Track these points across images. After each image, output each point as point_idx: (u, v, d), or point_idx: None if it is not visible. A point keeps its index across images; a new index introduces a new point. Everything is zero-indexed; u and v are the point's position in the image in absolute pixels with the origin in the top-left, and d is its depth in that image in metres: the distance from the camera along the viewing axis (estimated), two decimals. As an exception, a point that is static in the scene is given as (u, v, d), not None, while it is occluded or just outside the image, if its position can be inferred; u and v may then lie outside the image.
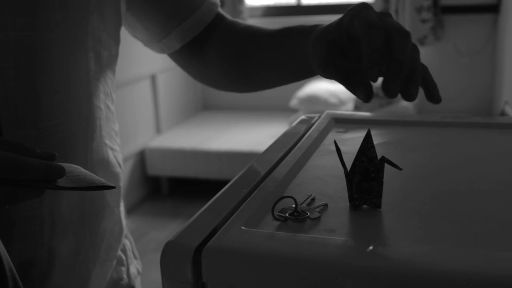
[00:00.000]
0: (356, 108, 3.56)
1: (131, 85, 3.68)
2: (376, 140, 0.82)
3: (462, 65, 3.78)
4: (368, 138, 0.58)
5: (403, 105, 3.49)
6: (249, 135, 3.82)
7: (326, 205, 0.60)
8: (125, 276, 0.90)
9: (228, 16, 0.89)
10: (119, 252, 0.89)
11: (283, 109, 4.13)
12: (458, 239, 0.52)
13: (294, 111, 4.00)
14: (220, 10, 0.88)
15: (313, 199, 0.62)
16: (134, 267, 0.94)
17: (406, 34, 0.59)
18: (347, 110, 3.59)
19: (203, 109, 4.62)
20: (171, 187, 3.94)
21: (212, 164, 3.64)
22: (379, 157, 0.59)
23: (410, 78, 0.59)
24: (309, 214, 0.57)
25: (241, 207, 0.59)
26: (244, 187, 0.65)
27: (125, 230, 0.92)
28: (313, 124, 0.90)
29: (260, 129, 3.92)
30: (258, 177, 0.68)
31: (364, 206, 0.60)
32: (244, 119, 4.20)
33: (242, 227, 0.54)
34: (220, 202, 0.61)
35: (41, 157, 0.57)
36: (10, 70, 0.66)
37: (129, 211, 3.56)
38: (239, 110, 4.40)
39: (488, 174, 0.69)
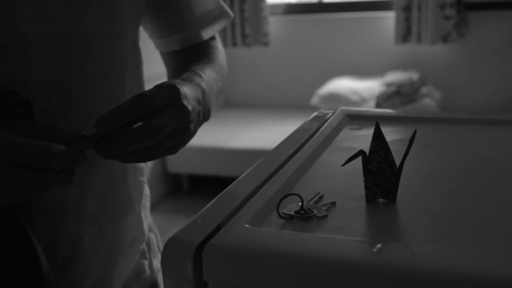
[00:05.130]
0: (378, 106, 3.52)
1: (151, 82, 3.67)
2: (391, 137, 0.80)
3: (486, 62, 3.71)
4: (376, 132, 0.58)
5: (425, 103, 3.44)
6: (270, 133, 3.79)
7: (334, 203, 0.58)
8: (147, 269, 0.91)
9: (205, 43, 0.92)
10: (144, 246, 0.90)
11: (304, 107, 4.10)
12: (469, 239, 0.50)
13: (315, 109, 3.97)
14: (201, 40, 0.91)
15: (321, 197, 0.60)
16: (158, 260, 0.94)
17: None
18: (369, 108, 3.55)
19: (224, 106, 4.61)
20: (191, 184, 3.94)
21: (233, 162, 3.63)
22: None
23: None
24: (315, 212, 0.56)
25: (246, 204, 0.58)
26: (251, 183, 0.63)
27: (151, 224, 0.94)
28: (326, 121, 0.89)
29: (281, 127, 3.89)
30: (267, 173, 0.67)
31: (380, 200, 0.59)
32: (265, 117, 4.18)
33: (246, 225, 0.53)
34: (225, 199, 0.60)
35: (70, 137, 0.57)
36: (44, 62, 0.67)
37: (150, 208, 3.57)
38: (260, 108, 4.38)
39: (504, 173, 0.67)
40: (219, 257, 0.49)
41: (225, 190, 0.63)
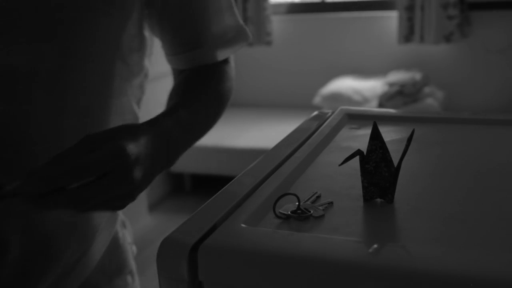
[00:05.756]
0: (380, 106, 3.51)
1: (154, 81, 3.68)
2: (391, 136, 0.80)
3: (489, 62, 3.70)
4: (374, 131, 0.57)
5: (428, 103, 3.43)
6: (272, 132, 3.79)
7: (331, 203, 0.58)
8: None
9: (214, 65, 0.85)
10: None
11: (306, 107, 4.09)
12: (467, 240, 0.50)
13: (317, 108, 3.96)
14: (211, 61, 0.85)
15: (318, 197, 0.60)
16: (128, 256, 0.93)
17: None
18: (371, 107, 3.53)
19: (226, 106, 4.61)
20: (193, 184, 3.94)
21: (235, 161, 3.63)
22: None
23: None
24: (312, 212, 0.55)
25: (243, 204, 0.57)
26: (248, 183, 0.63)
27: (123, 220, 0.93)
28: (325, 120, 0.88)
29: (283, 126, 3.89)
30: (264, 173, 0.66)
31: (377, 200, 0.58)
32: (268, 116, 4.18)
33: (242, 225, 0.52)
34: (221, 198, 0.60)
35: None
36: (1, 92, 0.66)
37: (152, 207, 3.57)
38: (263, 107, 4.38)
39: (504, 173, 0.66)
40: (215, 257, 0.49)
41: (221, 189, 0.63)
